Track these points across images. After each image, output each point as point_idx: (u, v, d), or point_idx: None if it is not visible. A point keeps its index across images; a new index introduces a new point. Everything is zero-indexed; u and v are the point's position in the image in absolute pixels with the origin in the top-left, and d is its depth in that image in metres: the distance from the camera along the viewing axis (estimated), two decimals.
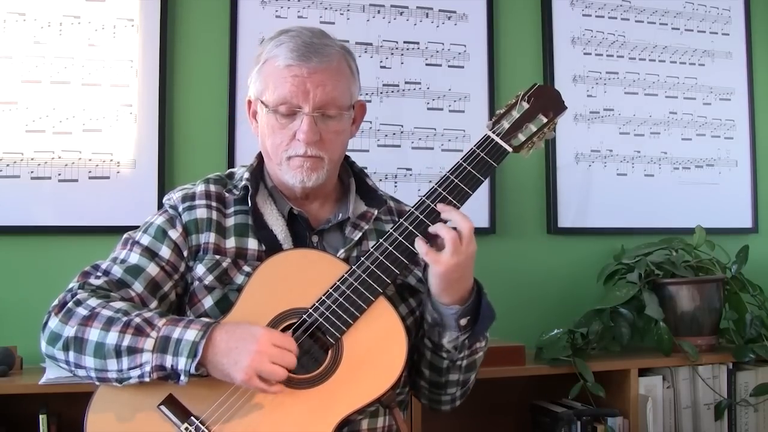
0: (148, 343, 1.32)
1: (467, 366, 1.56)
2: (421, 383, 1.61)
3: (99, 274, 1.47)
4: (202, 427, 1.34)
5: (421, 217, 1.44)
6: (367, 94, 2.64)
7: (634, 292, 2.51)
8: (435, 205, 1.43)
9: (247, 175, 1.57)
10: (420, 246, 1.42)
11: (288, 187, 1.55)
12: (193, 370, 1.30)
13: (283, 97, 1.47)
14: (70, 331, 1.36)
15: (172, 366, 1.31)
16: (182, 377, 1.31)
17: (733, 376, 2.55)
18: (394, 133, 2.67)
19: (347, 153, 1.66)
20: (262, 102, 1.52)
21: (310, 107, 1.47)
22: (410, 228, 1.43)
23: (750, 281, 2.64)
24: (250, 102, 1.58)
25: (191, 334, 1.32)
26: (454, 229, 1.40)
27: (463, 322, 1.47)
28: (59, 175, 2.37)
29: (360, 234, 1.55)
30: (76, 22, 2.40)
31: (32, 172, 2.35)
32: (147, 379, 1.32)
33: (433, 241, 1.42)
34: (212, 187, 1.57)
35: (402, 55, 2.70)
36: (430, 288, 1.47)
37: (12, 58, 2.35)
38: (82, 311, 1.37)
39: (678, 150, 2.97)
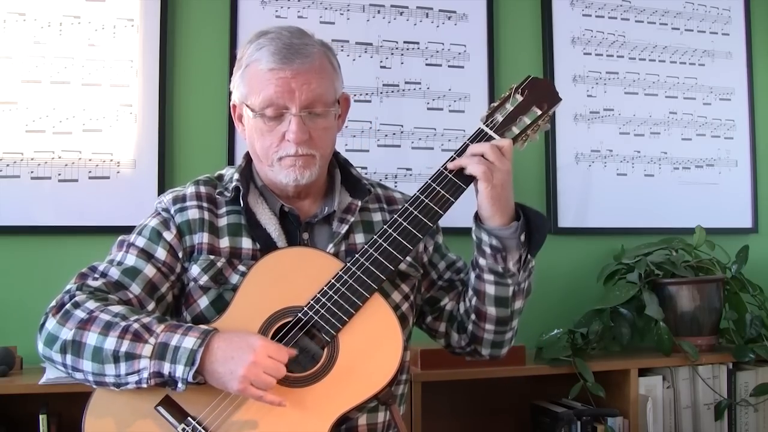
0: (146, 350, 1.32)
1: (527, 289, 1.59)
2: (486, 327, 1.58)
3: (96, 275, 1.47)
4: (199, 428, 1.33)
5: (416, 213, 1.44)
6: (367, 94, 2.64)
7: (634, 292, 2.51)
8: (429, 202, 1.44)
9: (236, 176, 1.57)
10: (476, 168, 1.43)
11: (280, 186, 1.55)
12: (190, 379, 1.30)
13: (269, 99, 1.47)
14: (67, 333, 1.36)
15: (169, 373, 1.31)
16: (180, 384, 1.31)
17: (733, 376, 2.55)
18: (394, 133, 2.67)
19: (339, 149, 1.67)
20: (247, 106, 1.52)
21: (297, 107, 1.47)
22: (404, 224, 1.44)
23: (750, 281, 2.64)
24: (234, 106, 1.58)
25: (189, 341, 1.32)
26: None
27: (523, 237, 1.49)
28: (59, 175, 2.37)
29: (346, 227, 1.56)
30: (76, 22, 2.41)
31: (32, 172, 2.35)
32: (144, 385, 1.32)
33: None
34: (202, 188, 1.57)
35: (402, 55, 2.70)
36: (482, 215, 1.48)
37: (12, 58, 2.35)
38: (80, 314, 1.37)
39: (678, 150, 2.97)
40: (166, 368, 1.31)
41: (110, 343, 1.33)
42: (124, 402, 1.36)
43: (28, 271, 2.34)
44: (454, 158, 1.47)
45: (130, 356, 1.32)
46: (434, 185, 1.46)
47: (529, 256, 1.53)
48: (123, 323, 1.34)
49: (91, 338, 1.34)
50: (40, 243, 2.36)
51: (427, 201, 1.45)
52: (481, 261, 1.52)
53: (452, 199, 1.45)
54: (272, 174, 1.53)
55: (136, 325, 1.34)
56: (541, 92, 1.51)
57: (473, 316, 1.59)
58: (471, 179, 1.46)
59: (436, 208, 1.45)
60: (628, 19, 2.95)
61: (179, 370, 1.30)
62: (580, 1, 2.89)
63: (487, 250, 1.50)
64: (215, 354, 1.31)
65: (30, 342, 1.47)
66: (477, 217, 1.51)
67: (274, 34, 1.50)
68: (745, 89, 3.08)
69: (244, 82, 1.52)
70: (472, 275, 1.56)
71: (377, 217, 1.62)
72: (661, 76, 2.97)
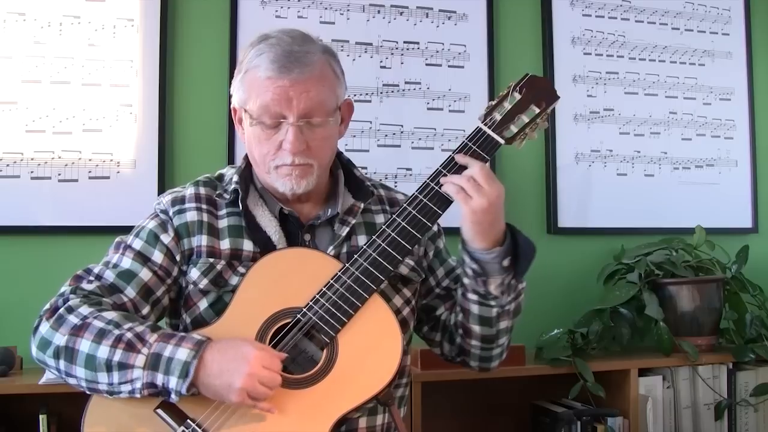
0: (139, 360, 1.31)
1: (515, 310, 1.57)
2: (472, 343, 1.58)
3: (91, 278, 1.46)
4: (199, 431, 1.33)
5: (414, 212, 1.44)
6: (367, 94, 2.64)
7: (634, 292, 2.51)
8: (428, 201, 1.44)
9: (236, 177, 1.55)
10: (450, 188, 1.42)
11: (279, 192, 1.54)
12: (184, 391, 1.29)
13: (266, 107, 1.45)
14: (61, 339, 1.35)
15: (163, 384, 1.30)
16: (173, 396, 1.31)
17: (733, 376, 2.55)
18: (394, 133, 2.67)
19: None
20: (246, 111, 1.50)
21: (294, 116, 1.45)
22: (403, 224, 1.43)
23: (750, 281, 2.64)
24: (235, 110, 1.56)
25: (183, 353, 1.31)
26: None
27: (506, 263, 1.47)
28: (59, 175, 2.37)
29: (347, 229, 1.54)
30: (76, 22, 2.41)
31: (32, 172, 2.35)
32: (137, 395, 1.32)
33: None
34: (202, 190, 1.55)
35: (402, 55, 2.70)
36: (464, 236, 1.47)
37: (12, 58, 2.35)
38: (73, 319, 1.36)
39: (678, 150, 2.97)
40: (159, 379, 1.30)
41: (103, 351, 1.32)
42: (123, 404, 1.36)
43: (28, 271, 2.34)
44: (452, 158, 1.46)
45: (123, 366, 1.31)
46: (432, 184, 1.45)
47: (513, 282, 1.51)
48: (116, 331, 1.33)
49: (84, 345, 1.34)
50: (40, 243, 2.36)
51: (425, 201, 1.44)
52: (465, 280, 1.52)
53: (451, 198, 1.44)
54: (270, 180, 1.52)
55: (129, 335, 1.33)
56: (540, 90, 1.49)
57: (460, 331, 1.58)
58: None
59: (434, 207, 1.44)
60: (628, 19, 2.94)
61: (172, 382, 1.29)
62: (580, 1, 2.89)
63: (469, 272, 1.49)
64: (210, 367, 1.30)
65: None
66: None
67: (275, 39, 1.48)
68: (745, 89, 3.08)
69: (243, 87, 1.50)
70: (459, 291, 1.56)
71: (380, 218, 1.60)
72: (661, 76, 2.97)
